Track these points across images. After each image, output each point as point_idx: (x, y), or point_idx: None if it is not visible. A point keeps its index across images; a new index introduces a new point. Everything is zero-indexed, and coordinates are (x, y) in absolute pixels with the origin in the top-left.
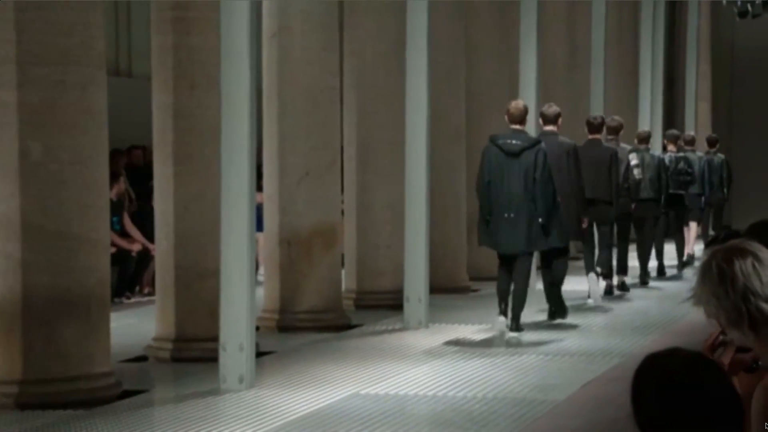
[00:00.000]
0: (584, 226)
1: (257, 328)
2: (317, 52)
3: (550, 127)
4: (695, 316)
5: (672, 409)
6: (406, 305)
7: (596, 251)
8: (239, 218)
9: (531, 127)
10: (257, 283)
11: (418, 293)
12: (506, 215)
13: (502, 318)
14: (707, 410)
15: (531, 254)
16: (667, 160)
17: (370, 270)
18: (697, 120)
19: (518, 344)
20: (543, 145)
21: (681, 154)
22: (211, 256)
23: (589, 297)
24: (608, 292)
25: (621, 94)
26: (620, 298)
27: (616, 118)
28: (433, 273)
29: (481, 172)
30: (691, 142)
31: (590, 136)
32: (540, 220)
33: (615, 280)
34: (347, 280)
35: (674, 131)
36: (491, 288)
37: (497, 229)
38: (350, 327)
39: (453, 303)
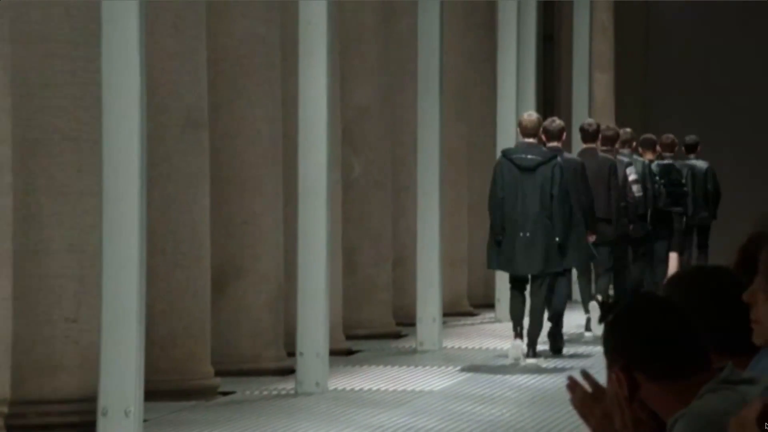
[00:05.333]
0: (591, 240)
1: None
2: None
3: (553, 144)
4: None
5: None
6: (102, 422)
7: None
8: None
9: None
10: None
11: (125, 402)
12: (522, 234)
13: (518, 341)
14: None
15: (547, 276)
16: (656, 170)
17: (39, 363)
18: (592, 100)
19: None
20: (559, 159)
21: (667, 161)
22: None
23: (588, 329)
24: None
25: (470, 59)
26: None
27: (612, 126)
28: (153, 366)
29: (494, 188)
30: (670, 146)
31: (584, 146)
32: (557, 239)
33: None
34: None
35: (650, 136)
36: (253, 385)
37: (511, 250)
38: None
39: (188, 417)
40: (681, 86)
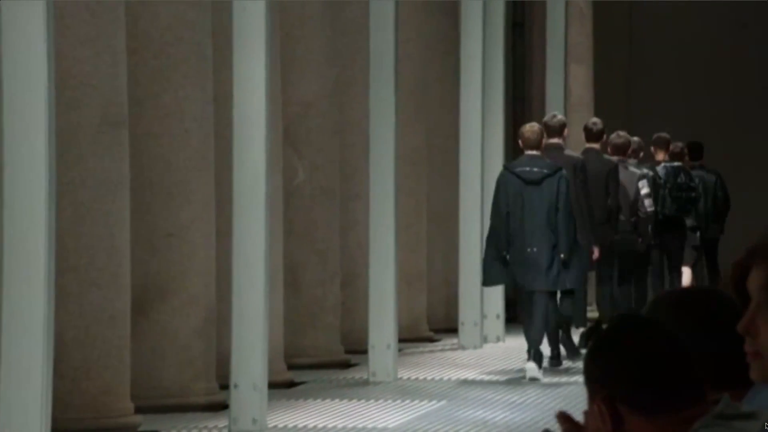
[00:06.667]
0: (595, 256)
1: None
2: None
3: (555, 140)
4: None
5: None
6: None
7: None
8: None
9: None
10: None
11: None
12: (528, 250)
13: (531, 364)
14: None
15: (553, 293)
16: (662, 172)
17: None
18: (568, 96)
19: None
20: (564, 172)
21: (677, 164)
22: None
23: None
24: None
25: (429, 49)
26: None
27: (622, 134)
28: (63, 402)
29: (497, 203)
30: (679, 155)
31: (587, 145)
32: (561, 255)
33: None
34: None
35: (664, 135)
36: (180, 422)
37: (517, 265)
38: None
39: None
40: (669, 81)
